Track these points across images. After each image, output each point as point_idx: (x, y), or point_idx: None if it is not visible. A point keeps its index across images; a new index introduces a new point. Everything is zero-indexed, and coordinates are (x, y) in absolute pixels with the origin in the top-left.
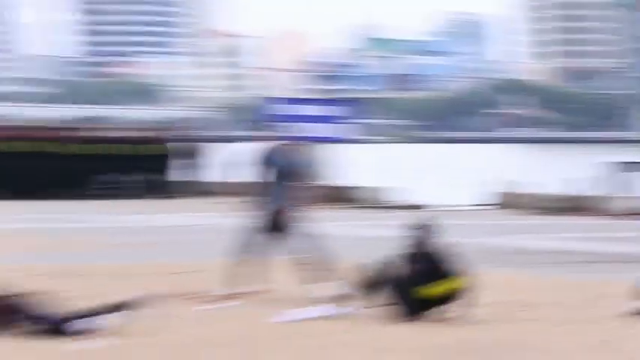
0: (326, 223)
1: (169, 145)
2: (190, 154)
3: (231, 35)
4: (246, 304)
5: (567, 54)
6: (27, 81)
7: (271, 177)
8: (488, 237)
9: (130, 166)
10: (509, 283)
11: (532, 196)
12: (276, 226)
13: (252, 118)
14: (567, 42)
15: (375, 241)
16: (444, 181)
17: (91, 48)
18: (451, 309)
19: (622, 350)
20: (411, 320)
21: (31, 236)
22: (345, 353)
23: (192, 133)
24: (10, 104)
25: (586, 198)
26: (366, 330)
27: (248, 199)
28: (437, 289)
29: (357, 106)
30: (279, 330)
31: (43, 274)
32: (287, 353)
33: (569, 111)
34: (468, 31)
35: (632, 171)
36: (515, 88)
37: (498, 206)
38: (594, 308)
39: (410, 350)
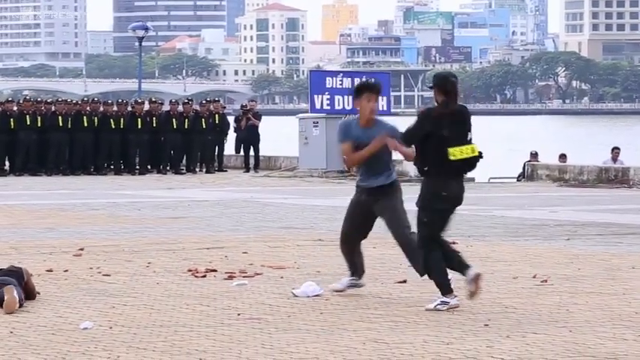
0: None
1: (227, 118)
2: (250, 128)
3: (284, 8)
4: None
5: (606, 26)
6: (85, 57)
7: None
8: (525, 209)
9: (186, 140)
10: (544, 255)
11: (573, 167)
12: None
13: (305, 91)
14: (606, 15)
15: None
16: (493, 154)
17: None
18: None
19: None
20: None
21: (86, 211)
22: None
23: (252, 106)
24: (77, 80)
25: (627, 170)
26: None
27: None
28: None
29: (392, 78)
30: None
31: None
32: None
33: (605, 82)
34: (510, 3)
35: None
36: (553, 60)
37: (539, 178)
38: (624, 280)
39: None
